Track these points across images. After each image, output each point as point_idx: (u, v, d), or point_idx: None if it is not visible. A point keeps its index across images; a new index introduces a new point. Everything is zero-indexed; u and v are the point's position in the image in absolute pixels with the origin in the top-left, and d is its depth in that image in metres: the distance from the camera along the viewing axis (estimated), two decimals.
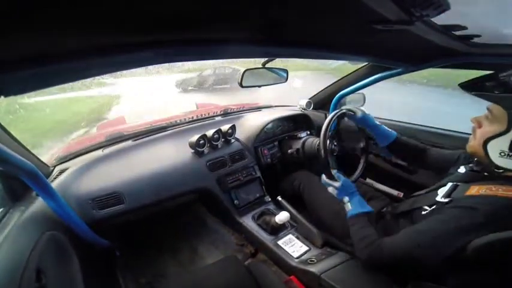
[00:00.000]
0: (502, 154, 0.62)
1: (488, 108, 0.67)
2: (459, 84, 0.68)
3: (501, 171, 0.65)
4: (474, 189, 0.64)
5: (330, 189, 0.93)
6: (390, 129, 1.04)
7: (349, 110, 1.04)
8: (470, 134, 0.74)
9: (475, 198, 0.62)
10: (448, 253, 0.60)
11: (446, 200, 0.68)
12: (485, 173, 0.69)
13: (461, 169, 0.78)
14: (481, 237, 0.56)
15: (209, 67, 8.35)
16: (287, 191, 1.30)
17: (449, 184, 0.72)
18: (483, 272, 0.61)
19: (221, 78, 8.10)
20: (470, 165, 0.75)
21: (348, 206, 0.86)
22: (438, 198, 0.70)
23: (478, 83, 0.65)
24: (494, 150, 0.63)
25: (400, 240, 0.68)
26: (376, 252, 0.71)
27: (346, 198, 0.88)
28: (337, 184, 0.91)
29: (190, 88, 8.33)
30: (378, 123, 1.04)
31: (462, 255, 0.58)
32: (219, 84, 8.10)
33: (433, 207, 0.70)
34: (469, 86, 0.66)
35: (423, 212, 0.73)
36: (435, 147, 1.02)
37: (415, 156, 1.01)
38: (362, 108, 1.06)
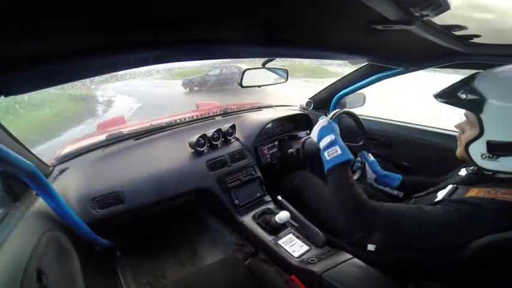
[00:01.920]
0: (484, 156, 0.62)
1: (464, 114, 0.68)
2: (433, 95, 0.69)
3: (491, 173, 0.65)
4: (473, 192, 0.64)
5: (321, 121, 0.85)
6: (394, 174, 1.05)
7: (366, 153, 1.08)
8: None
9: (474, 198, 0.62)
10: (437, 243, 0.59)
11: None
12: (481, 176, 0.69)
13: (462, 171, 0.78)
14: (481, 238, 0.56)
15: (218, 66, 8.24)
16: (287, 190, 1.30)
17: (450, 186, 0.71)
18: (484, 272, 0.61)
19: (223, 79, 7.96)
20: (471, 168, 0.75)
21: (337, 150, 0.73)
22: (437, 200, 0.70)
23: (449, 91, 0.66)
24: (476, 153, 0.64)
25: (401, 208, 0.65)
26: (370, 213, 0.65)
27: (331, 136, 0.76)
28: (330, 118, 0.84)
29: (195, 88, 8.21)
30: (385, 172, 1.06)
31: (462, 255, 0.58)
32: (221, 84, 7.97)
33: None
34: (440, 95, 0.68)
35: None
36: (435, 148, 1.02)
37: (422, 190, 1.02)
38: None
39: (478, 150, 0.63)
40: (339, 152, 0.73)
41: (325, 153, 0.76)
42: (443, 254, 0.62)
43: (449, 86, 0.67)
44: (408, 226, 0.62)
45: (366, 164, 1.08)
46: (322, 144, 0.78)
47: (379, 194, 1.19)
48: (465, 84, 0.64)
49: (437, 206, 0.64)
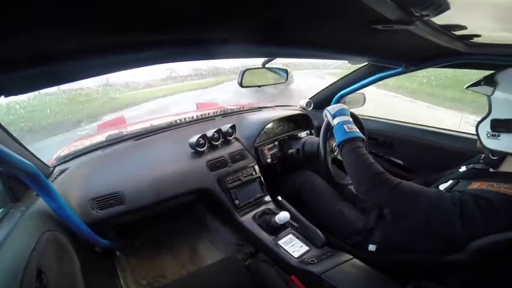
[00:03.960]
0: (488, 135, 0.68)
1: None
2: (466, 87, 0.77)
3: (495, 158, 0.69)
4: (476, 185, 0.66)
5: (339, 104, 0.91)
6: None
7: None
8: (468, 134, 0.75)
9: (478, 191, 0.63)
10: (454, 237, 0.60)
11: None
12: (490, 169, 0.71)
13: (462, 168, 0.78)
14: (482, 239, 0.56)
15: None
16: (288, 191, 1.30)
17: (450, 181, 0.72)
18: (483, 271, 0.61)
19: None
20: (471, 164, 0.76)
21: (355, 128, 0.79)
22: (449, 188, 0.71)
23: (476, 82, 0.74)
24: (483, 133, 0.70)
25: (417, 188, 0.67)
26: (388, 184, 0.67)
27: (349, 117, 0.82)
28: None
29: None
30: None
31: (462, 255, 0.57)
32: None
33: None
34: (470, 85, 0.76)
35: None
36: (436, 148, 1.01)
37: None
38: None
39: (484, 129, 0.69)
40: (357, 130, 0.79)
41: (345, 126, 0.79)
42: (444, 253, 0.62)
43: (478, 79, 0.75)
44: (423, 206, 0.63)
45: None
46: (341, 118, 0.82)
47: None
48: (488, 76, 0.72)
49: (454, 193, 0.65)
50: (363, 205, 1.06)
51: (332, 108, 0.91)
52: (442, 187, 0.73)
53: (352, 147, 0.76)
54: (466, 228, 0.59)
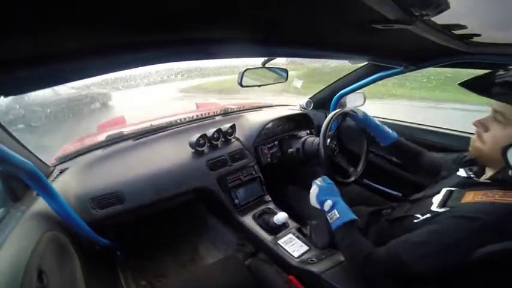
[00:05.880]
0: None
1: (496, 110, 0.60)
2: (459, 84, 0.63)
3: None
4: (469, 196, 0.62)
5: (313, 188, 0.89)
6: (391, 130, 1.03)
7: (351, 110, 1.04)
8: (470, 134, 0.72)
9: (471, 206, 0.60)
10: (448, 265, 0.58)
11: (442, 210, 0.65)
12: (487, 180, 0.65)
13: (461, 172, 0.74)
14: (485, 247, 0.54)
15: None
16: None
17: (444, 191, 0.69)
18: (487, 279, 0.60)
19: None
20: (474, 168, 0.72)
21: (335, 213, 0.78)
22: (433, 208, 0.67)
23: (480, 82, 0.61)
24: None
25: (395, 253, 0.65)
26: (375, 264, 0.67)
27: (329, 202, 0.81)
28: (320, 183, 0.88)
29: None
30: (378, 123, 1.04)
31: (465, 263, 0.56)
32: None
33: (426, 215, 0.67)
34: (472, 86, 0.61)
35: (415, 221, 0.69)
36: (436, 148, 1.01)
37: (411, 158, 1.00)
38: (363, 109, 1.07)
39: None
40: (337, 215, 0.78)
41: (328, 217, 0.81)
42: (440, 267, 0.61)
43: (482, 76, 0.61)
44: (404, 260, 0.62)
45: (357, 121, 1.05)
46: (325, 209, 0.83)
47: (377, 195, 1.19)
48: (504, 77, 0.58)
49: (426, 229, 0.63)
50: (356, 207, 1.05)
51: (312, 201, 0.89)
52: (435, 200, 0.69)
53: (338, 237, 0.78)
54: (453, 254, 0.57)
